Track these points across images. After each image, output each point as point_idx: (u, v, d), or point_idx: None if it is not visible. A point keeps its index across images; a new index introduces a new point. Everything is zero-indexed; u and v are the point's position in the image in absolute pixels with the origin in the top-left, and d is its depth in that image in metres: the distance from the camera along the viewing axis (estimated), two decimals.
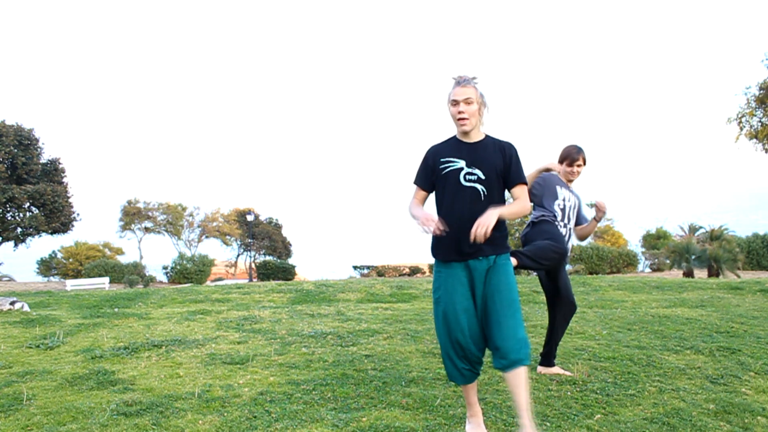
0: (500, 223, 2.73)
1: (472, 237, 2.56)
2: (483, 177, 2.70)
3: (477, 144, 2.77)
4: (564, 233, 3.72)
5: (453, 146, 2.80)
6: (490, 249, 2.70)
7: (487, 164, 2.71)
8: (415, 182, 2.89)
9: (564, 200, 3.77)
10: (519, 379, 2.63)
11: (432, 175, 2.81)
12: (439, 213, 2.79)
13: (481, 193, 2.70)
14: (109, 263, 28.88)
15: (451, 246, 2.72)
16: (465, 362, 2.76)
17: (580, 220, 3.92)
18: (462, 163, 2.73)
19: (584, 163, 3.84)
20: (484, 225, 2.54)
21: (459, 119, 2.71)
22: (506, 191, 2.85)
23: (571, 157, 3.81)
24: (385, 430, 2.83)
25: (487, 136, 2.81)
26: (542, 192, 3.78)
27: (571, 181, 3.88)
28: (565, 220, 3.76)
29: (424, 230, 2.67)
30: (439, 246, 2.78)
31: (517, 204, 2.78)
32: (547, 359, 3.91)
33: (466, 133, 2.77)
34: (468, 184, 2.71)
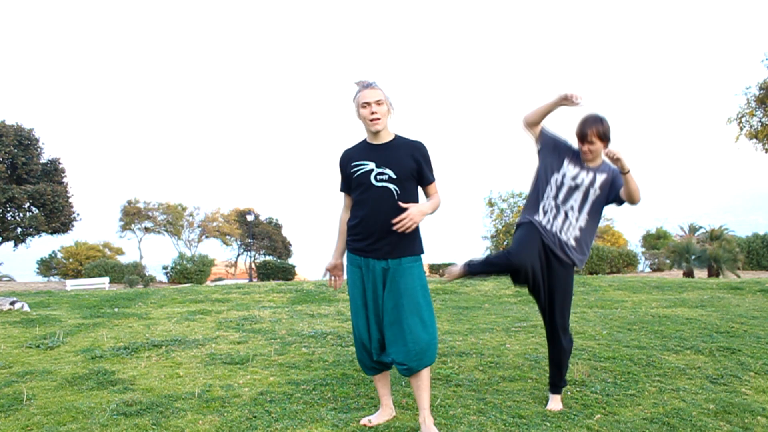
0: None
1: (400, 228, 2.65)
2: (394, 176, 2.77)
3: (386, 144, 2.84)
4: (553, 213, 3.10)
5: (363, 149, 2.89)
6: (391, 251, 2.77)
7: (397, 164, 2.78)
8: (341, 189, 3.01)
9: (565, 177, 3.08)
10: (419, 381, 2.80)
11: (348, 180, 2.91)
12: (354, 214, 2.89)
13: (394, 191, 2.77)
14: (109, 263, 28.88)
15: (362, 244, 2.84)
16: (365, 354, 2.93)
17: (595, 204, 3.09)
18: (372, 165, 2.81)
19: (601, 140, 2.97)
20: (411, 219, 2.64)
21: (372, 120, 2.77)
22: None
23: (580, 132, 3.02)
24: (385, 430, 2.83)
25: (396, 137, 2.87)
26: (545, 155, 3.16)
27: (588, 162, 3.07)
28: (559, 200, 3.10)
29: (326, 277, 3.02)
30: (354, 241, 2.89)
31: (433, 201, 2.85)
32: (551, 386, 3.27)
33: (376, 135, 2.83)
34: (380, 184, 2.78)
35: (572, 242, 3.09)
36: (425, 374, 2.79)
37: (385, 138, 2.85)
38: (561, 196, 3.09)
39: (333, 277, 3.05)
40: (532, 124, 3.17)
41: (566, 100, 2.98)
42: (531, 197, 3.23)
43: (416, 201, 2.85)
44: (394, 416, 3.01)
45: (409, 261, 2.79)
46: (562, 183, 3.09)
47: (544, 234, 3.08)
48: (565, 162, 3.10)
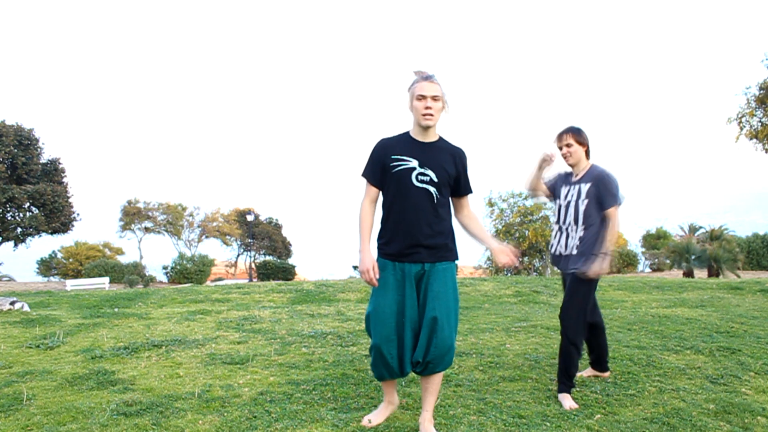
0: (446, 230, 2.75)
1: (507, 263, 2.75)
2: (435, 179, 2.67)
3: (431, 145, 2.74)
4: (557, 236, 3.48)
5: (406, 144, 2.73)
6: (428, 255, 2.70)
7: (439, 167, 2.69)
8: (365, 175, 2.78)
9: (563, 197, 3.47)
10: (431, 384, 2.78)
11: (382, 171, 2.74)
12: (388, 213, 2.74)
13: (434, 195, 2.68)
14: (109, 263, 28.88)
15: (396, 246, 2.71)
16: (389, 367, 2.75)
17: (588, 211, 3.33)
18: (414, 163, 2.68)
19: (575, 142, 3.38)
20: (511, 254, 2.73)
21: (424, 114, 2.65)
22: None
23: (557, 138, 3.45)
24: (385, 430, 2.83)
25: (440, 139, 2.78)
26: (552, 195, 3.60)
27: (572, 165, 3.45)
28: (560, 221, 3.46)
29: (365, 279, 2.69)
30: (387, 245, 2.75)
31: (479, 224, 2.92)
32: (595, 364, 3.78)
33: (424, 131, 2.72)
34: (420, 185, 2.67)
35: (574, 251, 3.37)
36: (438, 378, 2.78)
37: (431, 137, 2.74)
38: (561, 217, 3.47)
39: (373, 274, 2.67)
40: (536, 190, 3.61)
41: (546, 162, 3.45)
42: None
43: (450, 209, 2.81)
44: (395, 409, 3.00)
45: (443, 264, 2.73)
46: (560, 205, 3.49)
47: (557, 263, 3.50)
48: (561, 189, 3.51)
